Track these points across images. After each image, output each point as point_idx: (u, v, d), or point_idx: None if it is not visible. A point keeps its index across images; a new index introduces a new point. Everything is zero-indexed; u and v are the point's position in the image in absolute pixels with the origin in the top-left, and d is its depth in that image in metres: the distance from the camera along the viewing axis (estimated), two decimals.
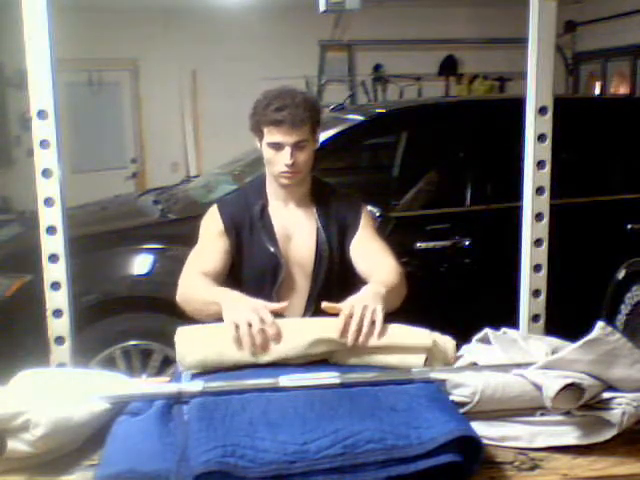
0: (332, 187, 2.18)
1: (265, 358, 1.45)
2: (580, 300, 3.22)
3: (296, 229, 2.04)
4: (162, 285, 3.10)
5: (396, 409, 1.19)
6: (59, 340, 1.78)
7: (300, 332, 1.48)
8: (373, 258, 1.98)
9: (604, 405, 1.26)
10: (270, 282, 1.99)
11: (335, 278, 2.03)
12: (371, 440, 1.09)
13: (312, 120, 1.96)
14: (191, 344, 1.45)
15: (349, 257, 2.05)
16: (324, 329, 1.48)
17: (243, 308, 1.56)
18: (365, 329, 1.48)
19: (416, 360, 1.43)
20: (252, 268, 2.02)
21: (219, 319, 1.63)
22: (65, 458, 1.21)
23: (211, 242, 2.01)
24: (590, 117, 3.79)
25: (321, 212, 2.05)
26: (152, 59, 7.21)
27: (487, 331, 1.51)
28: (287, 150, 1.92)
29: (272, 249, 1.99)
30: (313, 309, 2.01)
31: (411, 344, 1.45)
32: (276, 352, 1.45)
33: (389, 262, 1.94)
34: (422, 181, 3.64)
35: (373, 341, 1.47)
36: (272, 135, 1.93)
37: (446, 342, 1.53)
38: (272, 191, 2.06)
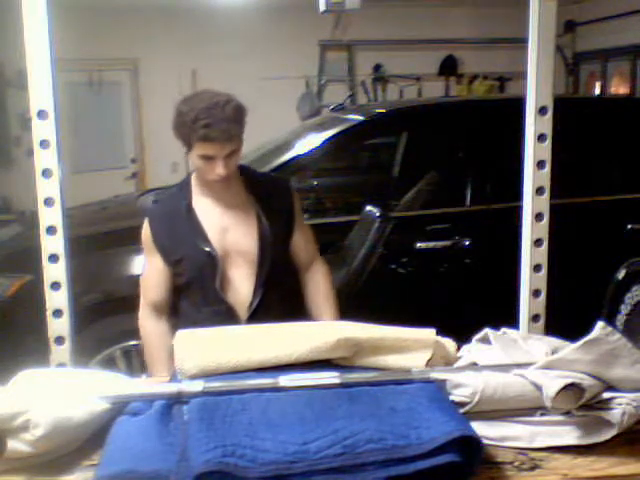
0: (262, 174, 2.25)
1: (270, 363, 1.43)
2: (580, 300, 3.22)
3: (233, 220, 2.06)
4: None
5: (396, 409, 1.19)
6: (59, 340, 1.78)
7: (301, 338, 1.47)
8: (309, 256, 2.22)
9: (604, 405, 1.26)
10: (210, 278, 2.02)
11: (281, 263, 2.08)
12: (371, 440, 1.09)
13: (241, 129, 1.96)
14: (190, 350, 1.44)
15: (290, 243, 2.14)
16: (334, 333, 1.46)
17: None
18: None
19: (422, 358, 1.42)
20: (190, 267, 2.06)
21: None
22: (65, 458, 1.20)
23: (150, 264, 2.12)
24: (590, 117, 3.79)
25: (259, 199, 2.07)
26: (152, 59, 7.21)
27: (487, 331, 1.51)
28: (219, 162, 1.93)
29: (203, 246, 2.02)
30: (260, 297, 2.04)
31: (416, 342, 1.45)
32: (274, 357, 1.44)
33: (320, 262, 2.23)
34: (422, 181, 3.65)
35: (379, 339, 1.46)
36: (204, 149, 1.93)
37: (447, 343, 1.53)
38: (200, 189, 2.08)
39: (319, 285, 2.20)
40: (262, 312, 2.01)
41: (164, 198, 2.20)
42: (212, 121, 1.88)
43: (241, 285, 2.05)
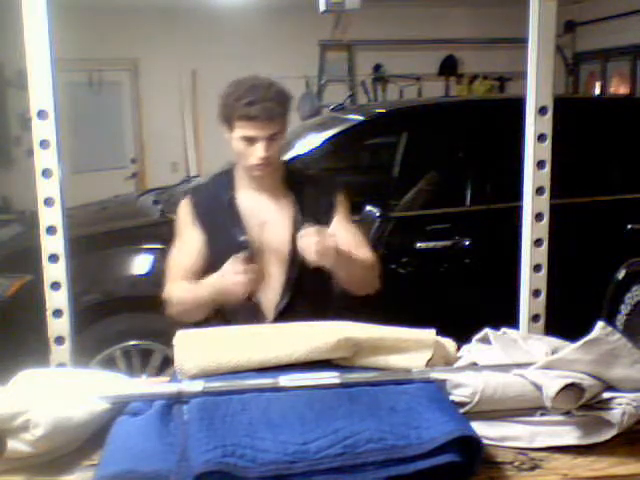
0: (306, 172, 2.18)
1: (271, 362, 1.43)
2: (580, 300, 3.22)
3: (270, 216, 2.03)
4: (162, 285, 3.10)
5: (396, 409, 1.19)
6: (59, 340, 1.78)
7: (305, 337, 1.47)
8: (350, 243, 1.99)
9: (604, 405, 1.26)
10: None
11: (315, 266, 2.03)
12: (371, 440, 1.09)
13: (285, 112, 1.95)
14: (190, 350, 1.44)
15: None
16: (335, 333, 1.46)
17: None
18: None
19: (422, 358, 1.42)
20: (223, 257, 2.01)
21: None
22: (65, 458, 1.21)
23: (187, 237, 2.06)
24: (590, 117, 3.79)
25: (297, 198, 2.04)
26: (152, 59, 7.21)
27: (487, 331, 1.51)
28: (260, 144, 1.91)
29: (241, 238, 1.99)
30: (289, 297, 2.01)
31: (416, 342, 1.45)
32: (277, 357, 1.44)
33: (365, 247, 2.03)
34: (422, 181, 3.64)
35: (379, 339, 1.46)
36: (245, 129, 1.91)
37: (447, 344, 1.53)
38: (243, 180, 2.06)
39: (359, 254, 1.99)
40: (289, 314, 1.95)
41: (207, 184, 2.18)
42: (253, 99, 1.88)
43: (271, 284, 2.01)
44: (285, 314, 1.98)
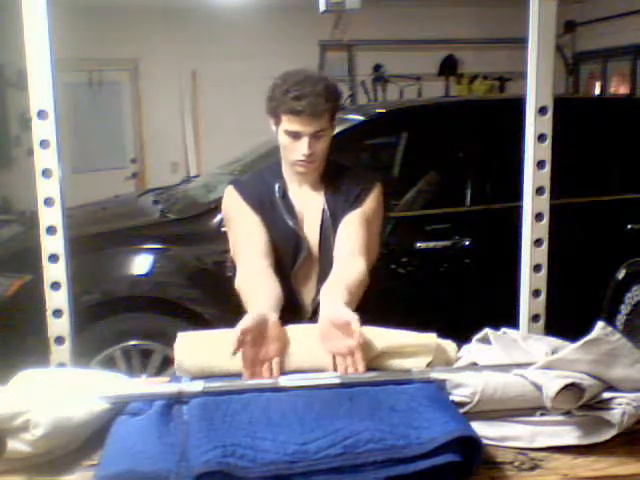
0: (347, 168, 2.09)
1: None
2: (580, 300, 3.22)
3: (306, 211, 2.01)
4: (162, 285, 3.11)
5: (396, 409, 1.19)
6: (59, 340, 1.78)
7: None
8: (349, 247, 1.87)
9: (604, 405, 1.26)
10: (290, 263, 1.96)
11: None
12: (371, 440, 1.09)
13: (332, 109, 1.91)
14: (191, 352, 1.44)
15: None
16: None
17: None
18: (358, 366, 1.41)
19: (422, 362, 1.42)
20: (275, 245, 1.95)
21: None
22: (65, 458, 1.20)
23: (247, 221, 1.96)
24: (590, 117, 3.79)
25: (329, 194, 2.00)
26: (152, 59, 7.21)
27: (487, 331, 1.51)
28: (305, 140, 1.88)
29: (295, 228, 1.96)
30: None
31: (417, 347, 1.45)
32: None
33: (360, 259, 1.84)
34: (422, 181, 3.65)
35: (380, 344, 1.46)
36: (290, 123, 1.88)
37: (447, 346, 1.53)
38: (287, 174, 2.02)
39: (338, 273, 1.80)
40: None
41: (255, 174, 2.15)
42: (301, 93, 1.85)
43: (309, 280, 1.99)
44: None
